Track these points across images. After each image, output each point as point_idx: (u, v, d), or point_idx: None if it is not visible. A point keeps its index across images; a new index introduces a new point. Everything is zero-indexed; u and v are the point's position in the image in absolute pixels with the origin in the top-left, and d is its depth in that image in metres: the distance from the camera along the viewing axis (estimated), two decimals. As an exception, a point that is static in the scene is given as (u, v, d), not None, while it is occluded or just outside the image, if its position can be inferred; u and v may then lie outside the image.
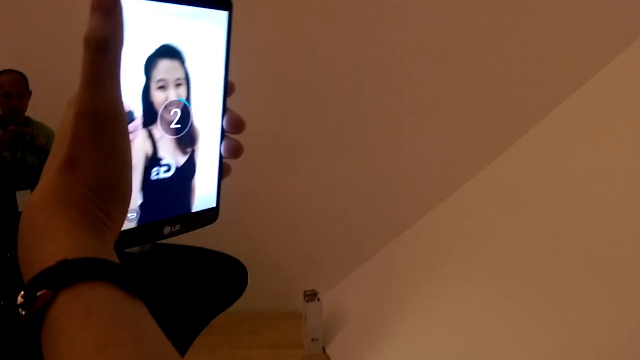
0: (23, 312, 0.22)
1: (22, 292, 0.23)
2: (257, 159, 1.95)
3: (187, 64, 0.32)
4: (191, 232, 0.36)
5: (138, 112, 0.30)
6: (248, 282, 1.70)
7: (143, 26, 0.29)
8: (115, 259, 0.25)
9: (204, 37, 0.33)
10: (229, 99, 0.35)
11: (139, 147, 0.31)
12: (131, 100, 0.30)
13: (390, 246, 2.16)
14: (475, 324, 1.28)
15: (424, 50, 1.94)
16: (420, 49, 1.94)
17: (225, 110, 0.35)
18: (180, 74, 0.32)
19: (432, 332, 1.47)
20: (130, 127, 0.30)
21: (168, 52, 0.31)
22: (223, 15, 0.34)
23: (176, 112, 0.32)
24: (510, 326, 1.17)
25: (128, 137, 0.28)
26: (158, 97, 0.31)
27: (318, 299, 1.99)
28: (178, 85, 0.32)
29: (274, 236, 2.28)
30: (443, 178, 2.01)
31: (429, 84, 1.97)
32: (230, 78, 0.36)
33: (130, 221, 0.31)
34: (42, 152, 1.82)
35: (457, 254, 1.65)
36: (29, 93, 1.91)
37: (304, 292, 2.02)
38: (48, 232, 0.25)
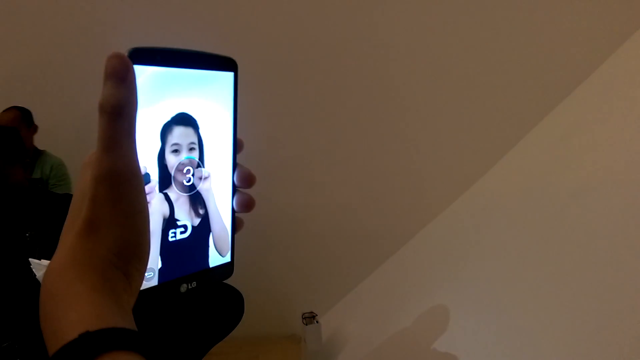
0: None
1: None
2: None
3: (199, 129, 0.33)
4: None
5: (154, 175, 0.31)
6: (245, 307, 1.68)
7: (155, 94, 0.30)
8: (133, 325, 0.26)
9: (213, 100, 0.34)
10: (238, 155, 0.36)
11: (157, 210, 0.31)
12: (147, 164, 0.31)
13: (388, 263, 2.16)
14: (481, 338, 1.28)
15: (416, 65, 1.97)
16: (411, 63, 1.97)
17: (235, 165, 0.36)
18: (193, 139, 0.33)
19: (437, 348, 1.47)
20: (147, 188, 0.30)
21: (182, 119, 0.32)
22: (229, 76, 0.34)
23: (189, 170, 0.33)
24: (516, 338, 1.17)
25: (145, 196, 0.29)
26: (172, 160, 0.32)
27: (317, 321, 1.97)
28: (191, 149, 0.33)
29: (269, 259, 2.27)
30: (438, 192, 2.02)
31: (420, 101, 2.00)
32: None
33: (148, 280, 0.31)
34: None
35: (457, 267, 1.65)
36: (31, 127, 1.98)
37: (302, 315, 2.00)
38: (69, 300, 0.25)
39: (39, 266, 0.87)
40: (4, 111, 1.93)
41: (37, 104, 2.01)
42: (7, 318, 1.30)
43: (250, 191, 0.36)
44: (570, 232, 1.26)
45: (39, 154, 2.04)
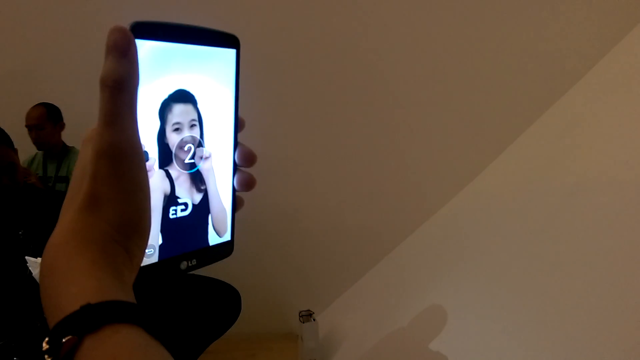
0: (49, 359, 0.22)
1: (47, 339, 0.23)
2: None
3: (200, 105, 0.33)
4: None
5: (154, 153, 0.31)
6: (242, 305, 1.67)
7: (156, 69, 0.29)
8: (133, 300, 0.25)
9: (215, 77, 0.34)
10: (239, 134, 0.36)
11: (158, 186, 0.31)
12: (147, 142, 0.30)
13: (385, 261, 2.16)
14: (477, 336, 1.29)
15: (412, 62, 1.98)
16: (405, 63, 1.98)
17: (236, 144, 0.36)
18: (194, 116, 0.33)
19: (433, 346, 1.47)
20: (147, 165, 0.30)
21: (182, 96, 0.32)
22: (231, 53, 0.34)
23: (190, 148, 0.33)
24: (512, 335, 1.17)
25: (146, 172, 0.28)
26: (173, 138, 0.32)
27: (314, 319, 1.97)
28: (192, 126, 0.33)
29: (266, 257, 2.26)
30: (435, 190, 2.03)
31: (416, 99, 2.01)
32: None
33: (149, 257, 0.31)
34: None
35: (454, 265, 1.65)
36: (57, 125, 2.00)
37: (299, 313, 2.00)
38: (70, 273, 0.25)
39: (35, 264, 0.87)
40: (31, 108, 1.93)
41: (65, 100, 1.98)
42: (3, 317, 1.29)
43: (251, 170, 0.36)
44: (567, 230, 1.27)
45: (67, 150, 2.03)
